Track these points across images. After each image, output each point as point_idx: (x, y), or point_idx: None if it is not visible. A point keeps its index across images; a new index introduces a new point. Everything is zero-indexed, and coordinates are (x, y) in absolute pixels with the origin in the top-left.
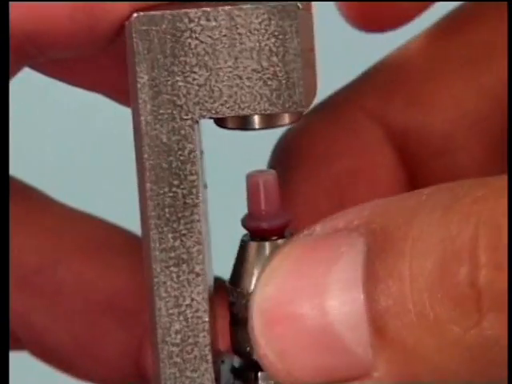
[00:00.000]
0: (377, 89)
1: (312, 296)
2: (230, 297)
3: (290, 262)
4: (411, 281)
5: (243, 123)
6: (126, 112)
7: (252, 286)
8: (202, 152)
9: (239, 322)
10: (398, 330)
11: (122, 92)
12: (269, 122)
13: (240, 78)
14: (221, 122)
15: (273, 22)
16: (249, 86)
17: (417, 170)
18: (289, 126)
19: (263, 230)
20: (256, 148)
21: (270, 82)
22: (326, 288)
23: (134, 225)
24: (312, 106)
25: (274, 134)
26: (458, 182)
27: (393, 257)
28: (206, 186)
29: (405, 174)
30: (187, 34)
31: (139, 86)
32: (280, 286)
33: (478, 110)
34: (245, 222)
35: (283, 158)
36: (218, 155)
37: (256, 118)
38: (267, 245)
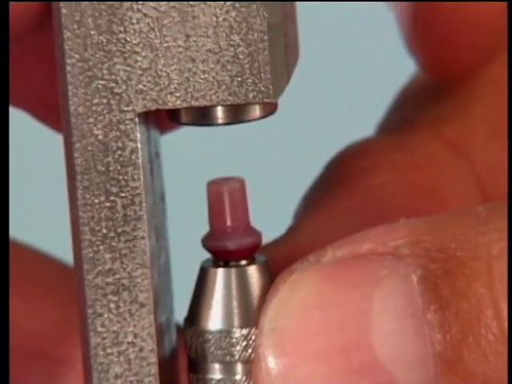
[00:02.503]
0: (456, 115)
1: (348, 327)
2: (187, 337)
3: (308, 289)
4: (495, 303)
5: (202, 117)
6: None
7: (211, 324)
8: (157, 154)
9: (198, 368)
10: (479, 363)
11: (49, 106)
12: (235, 115)
13: (193, 60)
14: (174, 116)
15: None
16: (204, 71)
17: None
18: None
19: (229, 252)
20: (219, 149)
21: (229, 66)
22: (368, 317)
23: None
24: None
25: (244, 133)
26: None
27: (465, 278)
28: (163, 198)
29: None
30: (127, 4)
31: (68, 68)
32: (301, 318)
33: None
34: (206, 242)
35: (334, 181)
36: (173, 158)
37: (219, 111)
38: (233, 272)
